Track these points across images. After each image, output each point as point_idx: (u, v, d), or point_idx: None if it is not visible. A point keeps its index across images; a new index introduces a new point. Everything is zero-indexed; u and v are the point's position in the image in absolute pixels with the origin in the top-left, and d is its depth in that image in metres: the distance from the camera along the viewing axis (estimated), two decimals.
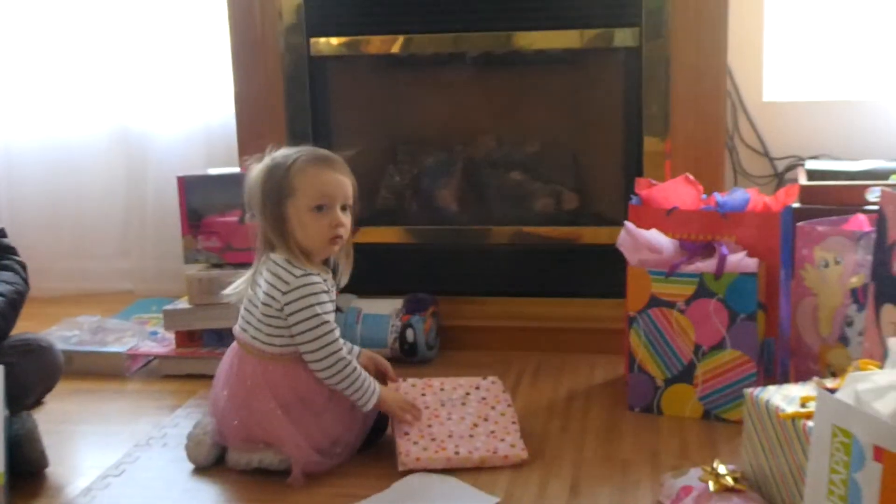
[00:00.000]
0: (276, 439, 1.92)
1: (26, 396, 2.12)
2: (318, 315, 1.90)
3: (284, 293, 1.91)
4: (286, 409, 1.92)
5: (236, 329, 2.02)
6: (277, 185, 1.93)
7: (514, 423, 2.04)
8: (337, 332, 1.93)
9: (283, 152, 1.98)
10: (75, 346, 2.68)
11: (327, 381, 1.92)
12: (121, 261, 3.46)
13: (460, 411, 2.05)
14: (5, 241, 2.20)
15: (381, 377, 2.09)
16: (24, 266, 2.18)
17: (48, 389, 2.22)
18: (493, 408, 2.08)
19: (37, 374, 2.11)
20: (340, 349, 1.92)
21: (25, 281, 2.15)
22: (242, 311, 2.01)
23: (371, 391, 1.95)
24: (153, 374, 2.63)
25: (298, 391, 1.94)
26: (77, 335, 2.76)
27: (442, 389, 2.10)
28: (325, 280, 1.96)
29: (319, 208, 1.93)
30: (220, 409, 1.99)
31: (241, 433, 1.97)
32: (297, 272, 1.91)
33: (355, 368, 1.93)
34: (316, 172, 1.94)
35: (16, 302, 2.08)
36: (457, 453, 1.93)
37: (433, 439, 1.96)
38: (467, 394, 2.10)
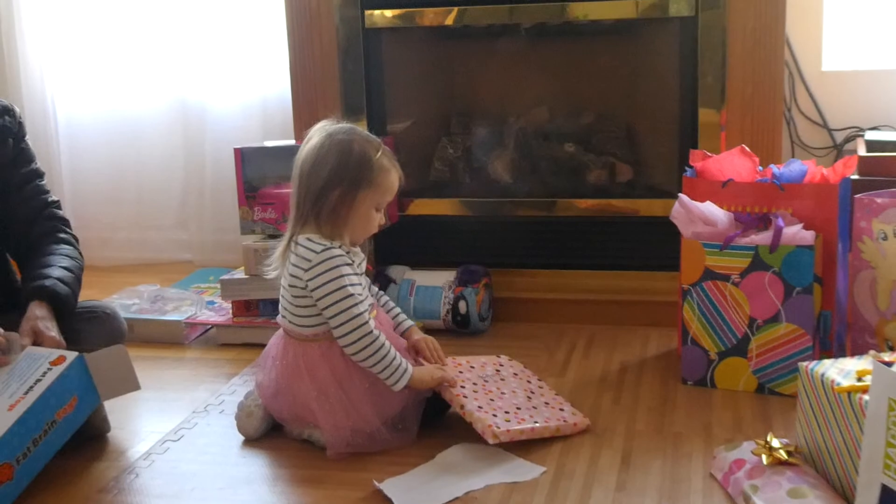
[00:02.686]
0: (316, 422, 1.95)
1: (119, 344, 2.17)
2: (342, 287, 1.90)
3: (307, 270, 1.92)
4: (325, 392, 1.93)
5: (279, 317, 2.04)
6: (360, 170, 1.93)
7: (556, 393, 2.09)
8: (363, 306, 1.92)
9: (360, 134, 1.98)
10: (135, 314, 2.75)
11: (356, 358, 1.91)
12: (179, 231, 3.52)
13: (506, 386, 2.06)
14: (60, 212, 2.22)
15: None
16: (77, 240, 2.21)
17: None
18: (528, 381, 2.11)
19: (102, 340, 2.15)
20: (367, 322, 1.91)
21: (80, 254, 2.19)
22: (280, 297, 2.03)
23: (402, 371, 1.92)
24: (210, 343, 2.69)
25: (336, 374, 1.94)
26: (137, 304, 2.83)
27: (472, 367, 2.09)
28: (347, 253, 1.95)
29: (378, 207, 1.99)
30: (269, 391, 2.02)
31: (290, 413, 2.00)
32: (318, 248, 1.92)
33: (383, 345, 1.91)
34: (393, 176, 1.98)
35: (80, 278, 2.12)
36: (536, 423, 1.94)
37: (506, 412, 1.95)
38: (497, 370, 2.11)
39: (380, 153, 1.96)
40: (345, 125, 1.99)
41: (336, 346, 1.94)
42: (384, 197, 1.98)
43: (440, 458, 1.90)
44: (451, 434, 1.98)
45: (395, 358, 1.93)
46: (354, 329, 1.90)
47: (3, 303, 2.11)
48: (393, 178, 1.98)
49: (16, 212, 2.16)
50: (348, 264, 1.93)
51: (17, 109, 2.22)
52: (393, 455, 1.92)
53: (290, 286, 1.97)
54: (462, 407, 1.94)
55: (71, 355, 1.89)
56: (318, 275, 1.91)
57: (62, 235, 2.17)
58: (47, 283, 2.01)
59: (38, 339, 1.93)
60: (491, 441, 1.87)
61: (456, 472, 1.84)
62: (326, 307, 1.91)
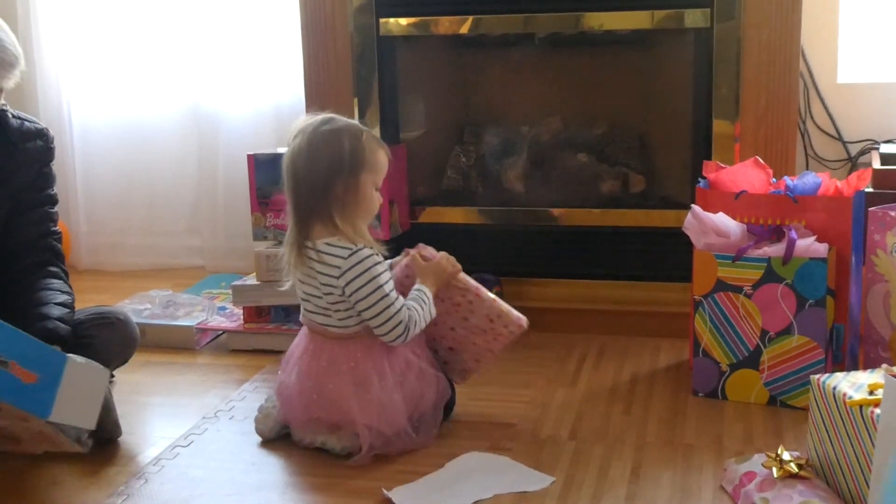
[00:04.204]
0: (347, 419, 1.94)
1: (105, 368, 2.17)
2: (379, 287, 1.92)
3: (339, 277, 1.93)
4: (363, 386, 1.94)
5: (304, 319, 2.04)
6: (354, 156, 1.95)
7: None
8: (399, 302, 1.94)
9: (341, 122, 1.99)
10: (147, 319, 2.75)
11: (400, 344, 1.96)
12: (192, 237, 3.53)
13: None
14: (58, 246, 2.21)
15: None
16: (67, 275, 2.21)
17: (125, 361, 2.27)
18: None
19: (115, 346, 2.16)
20: (401, 317, 1.93)
21: (71, 288, 2.19)
22: (301, 302, 2.03)
23: (428, 311, 1.99)
24: (221, 348, 2.69)
25: (377, 366, 1.95)
26: (149, 309, 2.83)
27: (466, 304, 2.09)
28: (371, 247, 1.96)
29: (376, 186, 2.00)
30: (288, 391, 2.02)
31: (307, 415, 2.00)
32: (344, 252, 1.93)
33: (416, 322, 1.96)
34: (382, 153, 2.01)
35: (74, 310, 2.12)
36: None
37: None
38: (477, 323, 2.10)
39: (365, 135, 1.99)
40: (323, 116, 2.00)
41: (378, 340, 1.96)
42: (379, 175, 2.01)
43: (449, 466, 1.89)
44: (461, 443, 1.98)
45: (422, 311, 1.97)
46: (394, 327, 1.93)
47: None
48: (382, 155, 2.01)
49: (19, 231, 2.15)
50: (378, 262, 1.95)
51: (52, 134, 2.22)
52: (402, 463, 1.92)
53: (326, 294, 1.96)
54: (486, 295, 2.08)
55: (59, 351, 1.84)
56: (353, 279, 1.92)
57: (53, 269, 2.16)
58: (49, 325, 2.00)
59: None
60: (525, 325, 2.08)
61: (465, 480, 1.83)
62: (364, 309, 1.93)
